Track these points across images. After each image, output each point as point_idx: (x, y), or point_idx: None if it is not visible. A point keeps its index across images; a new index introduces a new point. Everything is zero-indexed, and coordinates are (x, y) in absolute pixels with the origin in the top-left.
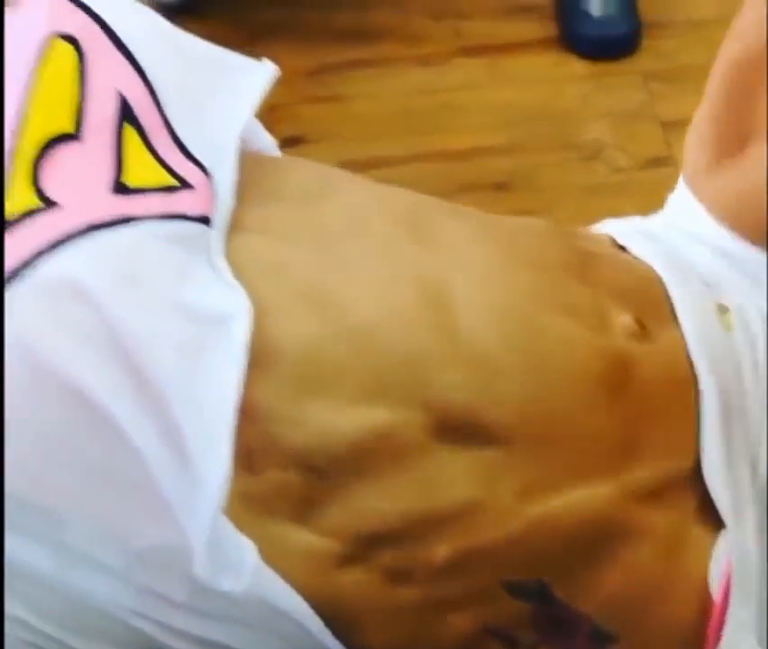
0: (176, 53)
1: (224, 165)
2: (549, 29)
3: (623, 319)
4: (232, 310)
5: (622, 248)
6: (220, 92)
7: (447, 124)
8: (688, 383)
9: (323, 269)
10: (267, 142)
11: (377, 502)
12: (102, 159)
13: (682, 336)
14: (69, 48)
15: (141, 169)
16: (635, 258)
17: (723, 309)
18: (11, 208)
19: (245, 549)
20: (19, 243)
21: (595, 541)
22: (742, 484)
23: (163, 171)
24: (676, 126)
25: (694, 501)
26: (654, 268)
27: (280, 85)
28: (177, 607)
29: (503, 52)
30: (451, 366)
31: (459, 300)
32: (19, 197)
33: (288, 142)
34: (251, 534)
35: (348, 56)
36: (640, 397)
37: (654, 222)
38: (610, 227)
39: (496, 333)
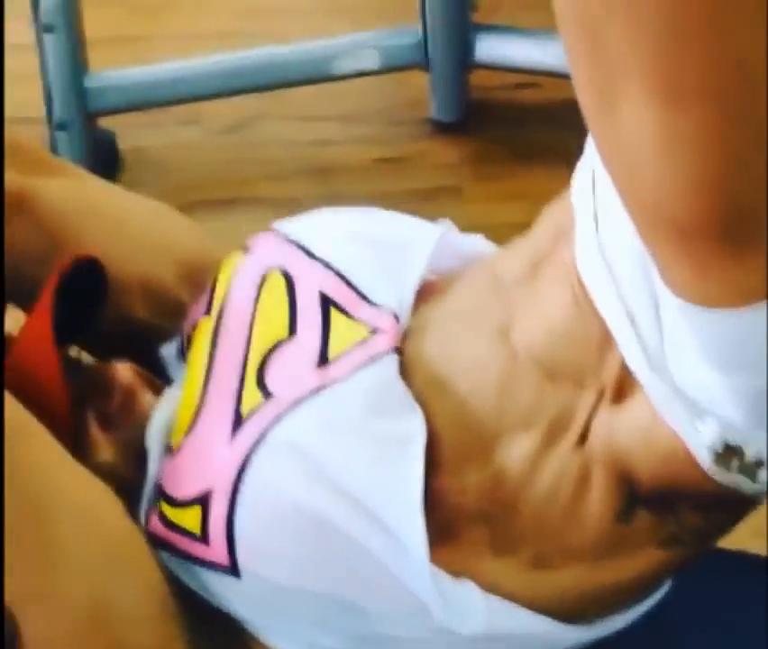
0: (359, 239)
1: (405, 305)
2: None
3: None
4: (412, 431)
5: None
6: (401, 252)
7: None
8: None
9: (437, 353)
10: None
11: (528, 513)
12: (310, 344)
13: None
14: (279, 276)
15: (342, 336)
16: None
17: None
18: (246, 408)
19: (467, 589)
20: (251, 429)
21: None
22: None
23: (359, 326)
24: None
25: None
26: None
27: (538, 207)
28: (464, 642)
29: None
30: (530, 384)
31: (518, 330)
32: (249, 399)
33: None
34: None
35: None
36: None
37: None
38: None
39: (552, 344)
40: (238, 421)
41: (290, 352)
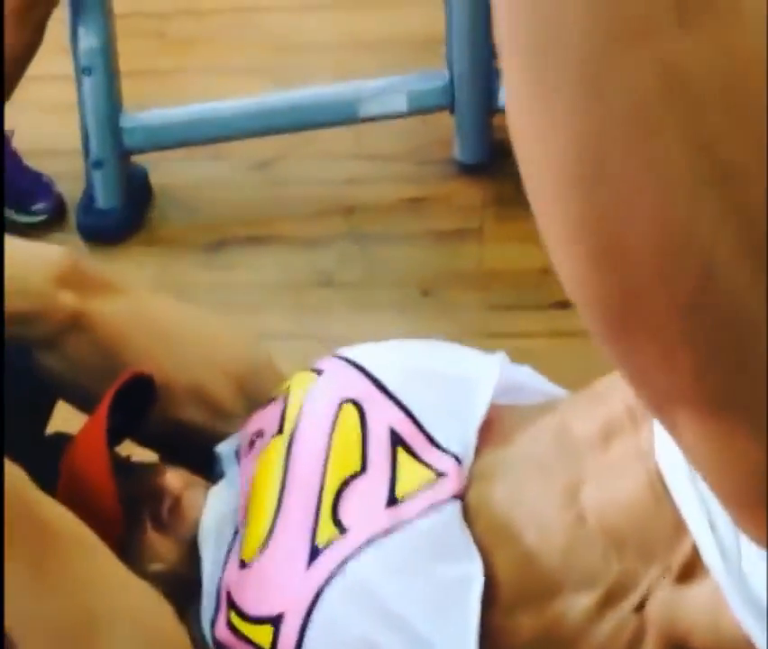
0: (426, 376)
1: (468, 448)
2: None
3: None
4: (471, 576)
5: None
6: (464, 392)
7: None
8: None
9: (503, 500)
10: (545, 389)
11: None
12: (380, 481)
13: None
14: (353, 409)
15: (409, 478)
16: None
17: None
18: (321, 540)
19: None
20: (326, 562)
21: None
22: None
23: (425, 469)
24: None
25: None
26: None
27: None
28: None
29: None
30: (594, 551)
31: (588, 496)
32: (324, 531)
33: (559, 306)
34: None
35: None
36: None
37: None
38: None
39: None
40: (314, 551)
41: (362, 488)
